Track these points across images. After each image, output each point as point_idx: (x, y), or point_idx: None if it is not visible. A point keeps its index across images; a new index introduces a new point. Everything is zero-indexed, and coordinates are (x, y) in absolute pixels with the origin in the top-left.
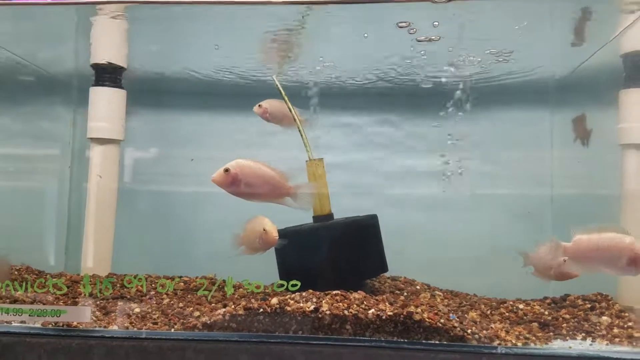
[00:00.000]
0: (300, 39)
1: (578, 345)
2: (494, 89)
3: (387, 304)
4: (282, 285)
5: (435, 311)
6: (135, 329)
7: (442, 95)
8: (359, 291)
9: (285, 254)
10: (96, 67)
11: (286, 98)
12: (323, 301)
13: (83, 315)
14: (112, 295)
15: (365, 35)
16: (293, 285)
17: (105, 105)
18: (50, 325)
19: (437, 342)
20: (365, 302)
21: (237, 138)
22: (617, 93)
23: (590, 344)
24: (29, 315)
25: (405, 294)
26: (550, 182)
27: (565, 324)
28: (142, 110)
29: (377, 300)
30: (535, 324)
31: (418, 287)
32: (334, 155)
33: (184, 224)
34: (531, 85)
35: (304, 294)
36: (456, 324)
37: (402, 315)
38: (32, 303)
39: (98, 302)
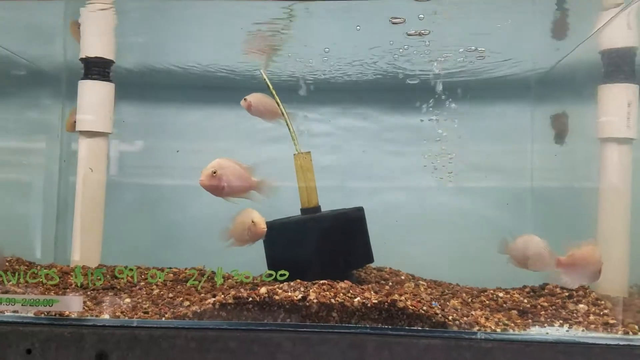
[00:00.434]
0: (287, 33)
1: (555, 331)
2: (476, 84)
3: (372, 292)
4: (270, 275)
5: (418, 299)
6: (127, 318)
7: (426, 91)
8: (345, 281)
9: (273, 246)
10: (85, 60)
11: (274, 92)
12: (310, 290)
13: (75, 304)
14: (102, 286)
15: (358, 27)
16: (281, 275)
17: (94, 99)
18: (42, 315)
19: (419, 328)
20: (351, 291)
21: (225, 131)
22: (596, 88)
23: (567, 330)
24: (22, 305)
25: (390, 283)
26: (530, 175)
27: (543, 312)
28: (129, 103)
29: (362, 289)
30: (514, 312)
31: (403, 277)
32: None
33: (171, 216)
34: (513, 81)
35: (292, 283)
36: (438, 311)
37: (386, 303)
38: (23, 294)
39: (89, 293)
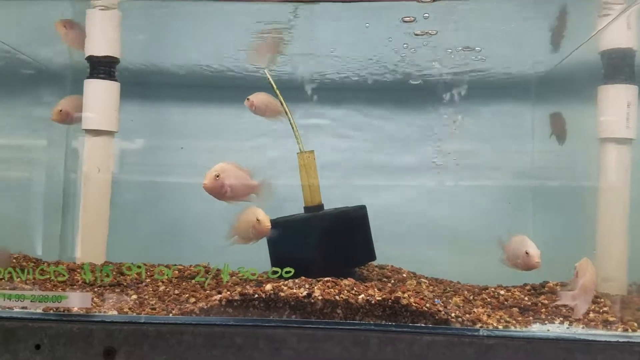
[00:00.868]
0: (291, 34)
1: (556, 328)
2: (478, 84)
3: (375, 289)
4: (276, 272)
5: (421, 296)
6: (134, 314)
7: (430, 90)
8: (348, 278)
9: (277, 243)
10: (91, 59)
11: (278, 91)
12: (315, 287)
13: (84, 300)
14: (110, 283)
15: (367, 25)
16: (287, 272)
17: (100, 97)
18: (51, 311)
19: (422, 325)
20: (355, 288)
21: (229, 130)
22: (595, 89)
23: (567, 328)
24: (31, 301)
25: (392, 281)
26: (531, 174)
27: (544, 309)
28: (134, 102)
29: (366, 286)
30: (515, 309)
31: (404, 275)
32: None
33: (173, 214)
34: (514, 81)
35: (296, 280)
36: (441, 309)
37: (390, 300)
38: (30, 290)
39: (96, 289)
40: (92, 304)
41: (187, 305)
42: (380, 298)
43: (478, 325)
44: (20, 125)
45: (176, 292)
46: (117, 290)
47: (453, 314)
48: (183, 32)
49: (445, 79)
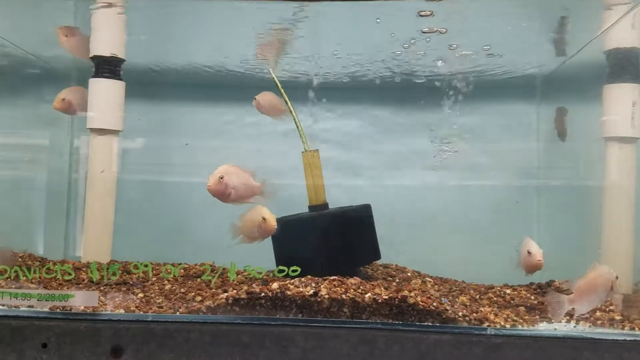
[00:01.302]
0: (296, 33)
1: (563, 327)
2: (483, 83)
3: (382, 288)
4: (282, 271)
5: (428, 295)
6: (142, 312)
7: (433, 89)
8: (354, 277)
9: (282, 242)
10: (96, 59)
11: (282, 91)
12: (322, 286)
13: (90, 299)
14: (116, 281)
15: (378, 20)
16: (294, 271)
17: (105, 96)
18: (58, 310)
19: (430, 324)
20: (361, 287)
21: (236, 129)
22: (601, 88)
23: (574, 326)
24: (37, 300)
25: (397, 280)
26: (536, 174)
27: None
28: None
29: (372, 285)
30: (522, 308)
31: (409, 274)
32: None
33: (178, 213)
34: (519, 80)
35: (303, 279)
36: (448, 307)
37: (397, 299)
38: (36, 289)
39: (102, 288)
40: (98, 303)
41: (194, 303)
42: (387, 297)
43: (485, 324)
44: (24, 124)
45: (182, 290)
46: (123, 288)
47: (460, 313)
48: (187, 31)
49: (450, 78)
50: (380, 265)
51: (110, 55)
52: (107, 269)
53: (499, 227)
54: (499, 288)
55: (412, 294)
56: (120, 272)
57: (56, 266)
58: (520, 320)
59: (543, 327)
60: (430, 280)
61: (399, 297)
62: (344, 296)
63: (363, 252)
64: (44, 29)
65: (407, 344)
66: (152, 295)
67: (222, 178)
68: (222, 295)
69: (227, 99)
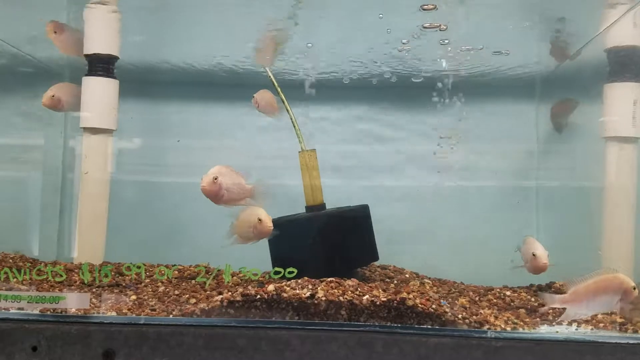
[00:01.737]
0: (293, 30)
1: (564, 329)
2: (482, 82)
3: (380, 290)
4: (278, 273)
5: (427, 297)
6: (134, 315)
7: (432, 89)
8: (352, 279)
9: (278, 243)
10: (89, 57)
11: (279, 89)
12: (319, 288)
13: (82, 301)
14: (108, 283)
15: (381, 15)
16: (290, 273)
17: (98, 95)
18: (48, 312)
19: (429, 326)
20: (359, 289)
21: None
22: (601, 87)
23: (576, 329)
24: (27, 302)
25: (395, 282)
26: (535, 174)
27: (551, 310)
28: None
29: (370, 287)
30: (522, 310)
31: (407, 275)
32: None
33: (171, 213)
34: (518, 80)
35: (299, 281)
36: (447, 310)
37: (395, 302)
38: (27, 291)
39: (94, 290)
40: (90, 305)
41: (188, 306)
42: (385, 299)
43: (485, 327)
44: (17, 124)
45: (176, 292)
46: (116, 290)
47: (460, 316)
48: (181, 28)
49: (449, 77)
50: (378, 267)
51: (102, 53)
52: (99, 270)
53: (499, 228)
54: (498, 289)
55: (411, 296)
56: (112, 273)
57: (47, 268)
58: (521, 323)
59: (544, 330)
60: (429, 281)
61: (398, 299)
62: (341, 298)
63: (361, 253)
64: (37, 26)
65: (405, 347)
66: (146, 297)
67: (216, 179)
68: (216, 298)
69: (223, 98)
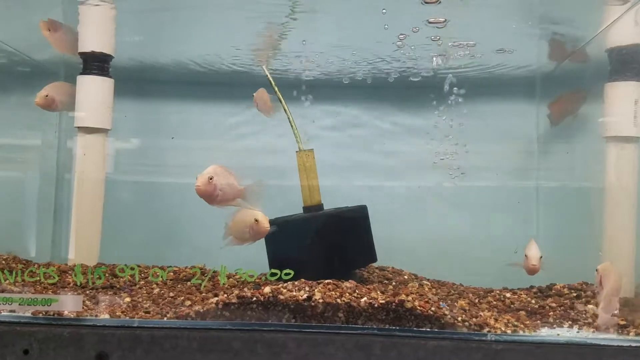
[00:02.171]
0: (289, 29)
1: (565, 332)
2: (482, 81)
3: (378, 292)
4: (274, 274)
5: (426, 300)
6: (127, 317)
7: (431, 88)
8: (349, 280)
9: (275, 244)
10: (84, 55)
11: (276, 88)
12: (316, 290)
13: (74, 303)
14: (102, 285)
15: (384, 10)
16: (286, 274)
17: (93, 94)
18: (40, 315)
19: (428, 329)
20: (357, 291)
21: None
22: (602, 86)
23: (577, 332)
24: (19, 305)
25: (393, 283)
26: (535, 174)
27: (552, 312)
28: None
29: (368, 289)
30: (522, 312)
31: (406, 276)
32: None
33: (167, 214)
34: (518, 79)
35: (296, 283)
36: (447, 312)
37: (393, 304)
38: (19, 293)
39: (87, 292)
40: (83, 307)
41: (183, 308)
42: (383, 301)
43: (485, 330)
44: (12, 124)
45: (171, 294)
46: (110, 292)
47: (459, 318)
48: (178, 27)
49: (448, 76)
50: (377, 268)
51: (96, 51)
52: (92, 272)
53: (499, 228)
54: (498, 291)
55: (410, 298)
56: (106, 275)
57: (40, 269)
58: (521, 326)
59: (545, 333)
60: (428, 283)
61: (396, 301)
62: (338, 300)
63: (359, 254)
64: (31, 25)
65: (404, 350)
66: (140, 299)
67: (211, 179)
68: (212, 300)
69: (219, 97)
